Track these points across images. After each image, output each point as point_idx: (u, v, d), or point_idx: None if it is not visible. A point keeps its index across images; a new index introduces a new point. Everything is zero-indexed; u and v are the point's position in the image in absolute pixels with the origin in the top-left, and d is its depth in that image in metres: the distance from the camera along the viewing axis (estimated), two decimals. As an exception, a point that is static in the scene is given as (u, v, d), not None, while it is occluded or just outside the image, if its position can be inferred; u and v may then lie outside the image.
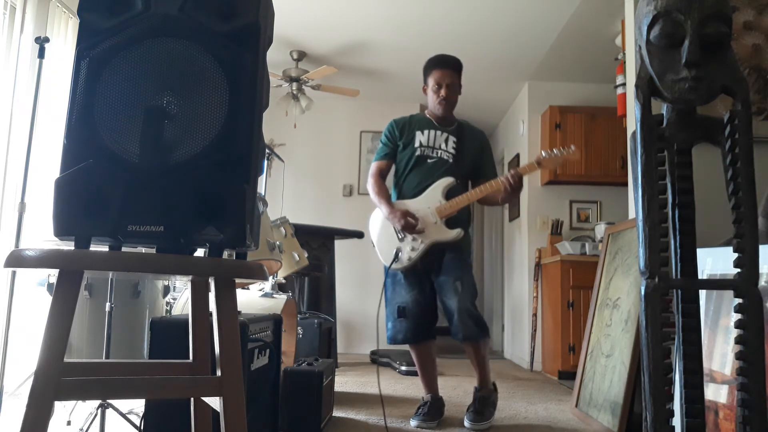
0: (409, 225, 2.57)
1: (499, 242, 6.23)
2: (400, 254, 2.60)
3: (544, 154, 2.60)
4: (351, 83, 5.29)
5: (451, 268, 2.61)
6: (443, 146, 2.72)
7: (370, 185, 2.78)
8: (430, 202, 2.62)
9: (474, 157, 2.76)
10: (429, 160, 2.70)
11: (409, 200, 2.66)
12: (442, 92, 2.70)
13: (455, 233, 2.58)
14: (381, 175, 2.79)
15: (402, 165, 2.75)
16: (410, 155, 2.72)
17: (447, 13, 4.06)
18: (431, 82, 2.75)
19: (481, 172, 2.74)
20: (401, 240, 2.62)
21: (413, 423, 2.54)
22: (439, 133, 2.73)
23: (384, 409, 2.78)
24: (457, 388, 3.57)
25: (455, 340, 2.59)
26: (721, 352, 1.80)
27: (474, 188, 2.64)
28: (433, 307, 2.70)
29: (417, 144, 2.72)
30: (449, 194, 2.62)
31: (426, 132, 2.74)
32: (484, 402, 2.60)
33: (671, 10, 1.10)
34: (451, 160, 2.69)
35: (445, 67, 2.73)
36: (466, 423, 2.52)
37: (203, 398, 1.23)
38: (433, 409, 2.61)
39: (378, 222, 2.74)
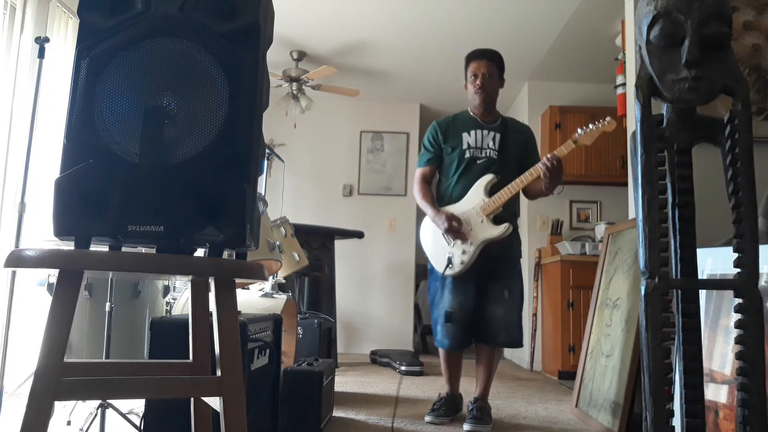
0: (452, 229, 2.55)
1: (499, 242, 6.22)
2: (452, 260, 2.57)
3: (580, 132, 2.52)
4: (351, 83, 5.29)
5: (501, 276, 2.62)
6: (490, 145, 2.68)
7: (416, 191, 2.77)
8: (474, 202, 2.59)
9: (518, 151, 2.71)
10: (478, 161, 2.66)
11: (454, 205, 2.65)
12: (478, 81, 2.68)
13: (503, 229, 2.54)
14: (426, 181, 2.77)
15: (451, 168, 2.71)
16: (459, 158, 2.68)
17: (447, 13, 4.06)
18: (469, 74, 2.73)
19: (526, 166, 2.65)
20: (452, 245, 2.59)
21: (427, 418, 2.55)
22: (485, 132, 2.69)
23: (399, 408, 2.77)
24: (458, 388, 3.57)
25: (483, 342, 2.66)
26: (721, 352, 1.80)
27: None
28: (473, 313, 2.67)
29: (465, 146, 2.68)
30: (492, 191, 2.58)
31: (473, 132, 2.70)
32: (482, 410, 2.57)
33: (671, 10, 1.10)
34: (497, 158, 2.66)
35: (482, 58, 2.72)
36: (467, 427, 2.49)
37: (203, 398, 1.23)
38: (448, 404, 2.62)
39: (429, 230, 2.71)
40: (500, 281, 2.62)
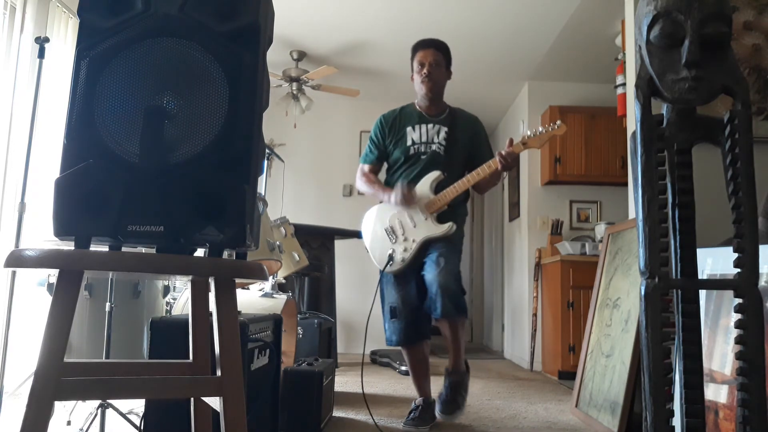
0: (404, 195, 2.50)
1: (499, 242, 6.23)
2: (393, 256, 2.54)
3: (529, 133, 2.51)
4: (351, 83, 5.29)
5: (437, 248, 2.51)
6: (435, 139, 2.62)
7: (359, 182, 2.75)
8: (419, 198, 2.55)
9: (467, 144, 2.66)
10: (422, 156, 2.62)
11: None
12: (425, 70, 2.61)
13: (446, 228, 2.50)
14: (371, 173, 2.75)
15: (395, 165, 2.68)
16: (404, 154, 2.65)
17: (447, 13, 4.06)
18: (415, 64, 2.67)
19: (477, 159, 2.63)
20: (394, 242, 2.56)
21: (403, 426, 2.49)
22: (430, 126, 2.65)
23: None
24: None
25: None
26: (721, 352, 1.80)
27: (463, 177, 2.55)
28: (419, 307, 2.60)
29: (409, 142, 2.65)
30: (438, 188, 2.55)
31: (417, 127, 2.66)
32: (455, 387, 2.51)
33: (671, 10, 1.10)
34: (442, 153, 2.61)
35: (429, 47, 2.66)
36: (437, 413, 2.47)
37: (203, 398, 1.23)
38: (424, 412, 2.55)
39: (370, 226, 2.68)
40: (437, 251, 2.49)
